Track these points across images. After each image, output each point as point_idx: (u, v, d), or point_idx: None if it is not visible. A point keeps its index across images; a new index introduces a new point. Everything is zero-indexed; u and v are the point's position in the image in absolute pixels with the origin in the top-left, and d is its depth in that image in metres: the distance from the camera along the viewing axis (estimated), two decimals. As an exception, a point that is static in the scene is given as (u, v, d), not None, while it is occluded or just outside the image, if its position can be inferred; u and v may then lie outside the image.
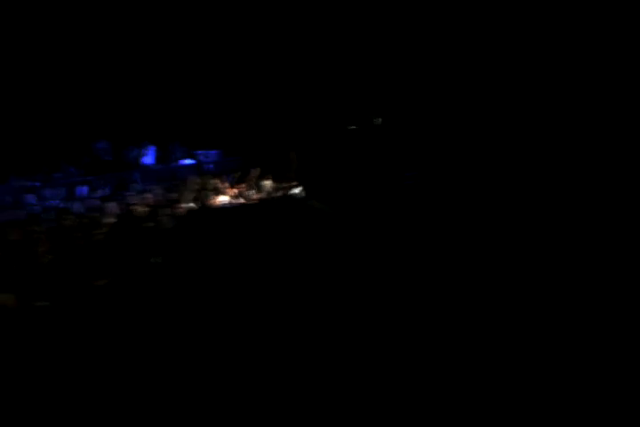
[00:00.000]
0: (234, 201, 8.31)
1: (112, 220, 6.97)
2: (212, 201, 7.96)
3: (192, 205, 7.77)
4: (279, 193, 8.50)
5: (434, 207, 6.62)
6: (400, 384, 3.02)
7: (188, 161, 10.09)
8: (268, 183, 8.81)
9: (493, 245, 5.16)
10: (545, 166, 6.47)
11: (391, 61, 8.68)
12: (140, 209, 7.43)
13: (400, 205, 6.87)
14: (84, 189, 9.21)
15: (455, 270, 4.72)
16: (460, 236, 5.61)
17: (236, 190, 8.59)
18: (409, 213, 6.54)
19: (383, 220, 6.42)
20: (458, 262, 4.90)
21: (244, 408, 3.00)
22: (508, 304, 3.98)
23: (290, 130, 9.67)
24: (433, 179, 7.39)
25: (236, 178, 9.09)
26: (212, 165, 9.84)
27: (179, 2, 9.98)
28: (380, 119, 7.86)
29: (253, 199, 8.50)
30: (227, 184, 8.64)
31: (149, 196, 8.15)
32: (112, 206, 7.68)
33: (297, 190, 8.51)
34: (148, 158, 10.18)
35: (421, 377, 3.10)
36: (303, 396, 3.00)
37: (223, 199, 8.18)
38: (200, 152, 10.10)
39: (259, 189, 8.73)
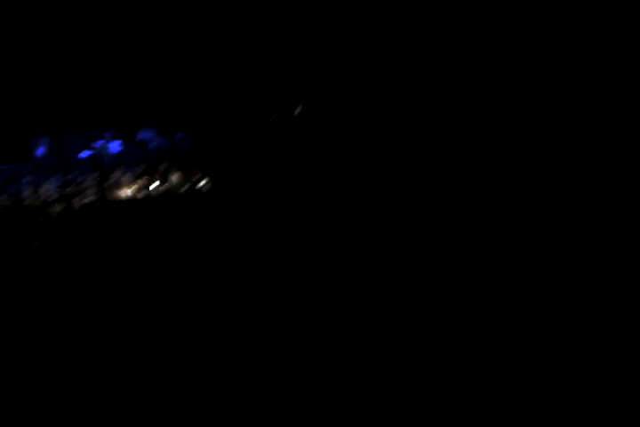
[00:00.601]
0: (136, 195, 7.99)
1: (3, 216, 6.50)
2: (112, 195, 7.61)
3: (89, 199, 7.39)
4: (186, 186, 8.27)
5: (345, 200, 6.67)
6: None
7: (85, 153, 9.58)
8: (174, 176, 8.55)
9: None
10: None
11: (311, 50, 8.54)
12: (32, 204, 6.99)
13: (310, 198, 6.88)
14: (-31, 183, 8.52)
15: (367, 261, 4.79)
16: (373, 226, 5.69)
17: (138, 183, 8.26)
18: (319, 206, 6.57)
19: (291, 213, 6.41)
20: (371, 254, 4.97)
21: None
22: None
23: (196, 118, 9.42)
24: (344, 171, 7.43)
25: (140, 170, 8.74)
26: (111, 157, 9.41)
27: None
28: (300, 107, 7.70)
29: (157, 193, 8.22)
30: (128, 177, 8.28)
31: (42, 190, 7.66)
32: (1, 201, 7.16)
33: (203, 182, 8.33)
34: (41, 150, 9.58)
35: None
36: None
37: (125, 193, 7.84)
38: (99, 143, 9.62)
39: (164, 181, 8.45)
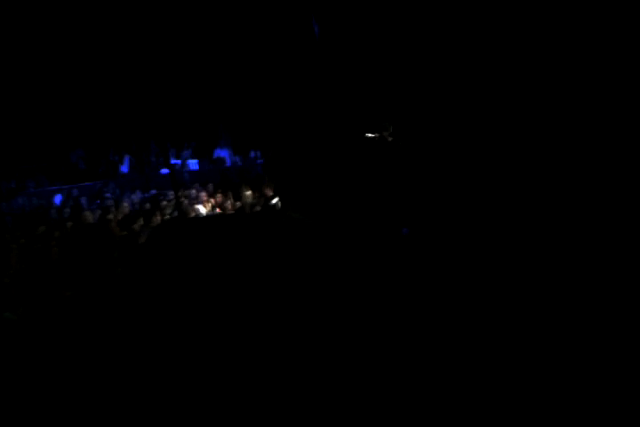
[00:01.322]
0: (211, 211, 8.20)
1: (87, 229, 6.81)
2: (189, 211, 7.84)
3: (168, 215, 7.64)
4: (258, 204, 8.38)
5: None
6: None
7: (164, 170, 9.98)
8: (247, 194, 8.69)
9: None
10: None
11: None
12: (115, 218, 7.30)
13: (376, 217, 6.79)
14: (58, 198, 9.04)
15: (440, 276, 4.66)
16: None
17: (213, 200, 8.47)
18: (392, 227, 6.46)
19: (364, 232, 6.34)
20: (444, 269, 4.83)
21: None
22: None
23: (269, 138, 9.53)
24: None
25: (216, 187, 8.97)
26: (187, 175, 9.73)
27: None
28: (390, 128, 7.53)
29: (231, 210, 8.40)
30: (204, 194, 8.51)
31: (125, 205, 8.00)
32: (87, 215, 7.52)
33: (275, 201, 8.41)
34: (125, 167, 10.06)
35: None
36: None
37: (200, 209, 8.06)
38: (178, 161, 10.00)
39: (238, 199, 8.62)
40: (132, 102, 10.13)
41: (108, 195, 8.80)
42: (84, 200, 8.69)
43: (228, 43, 9.79)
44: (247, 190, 8.69)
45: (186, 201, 7.98)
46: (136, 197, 8.62)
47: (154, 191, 8.75)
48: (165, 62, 10.03)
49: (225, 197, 8.59)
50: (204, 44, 9.84)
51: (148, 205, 7.94)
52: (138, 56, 9.91)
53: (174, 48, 9.98)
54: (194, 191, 8.49)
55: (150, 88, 10.11)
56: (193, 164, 9.91)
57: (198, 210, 7.94)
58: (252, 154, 9.86)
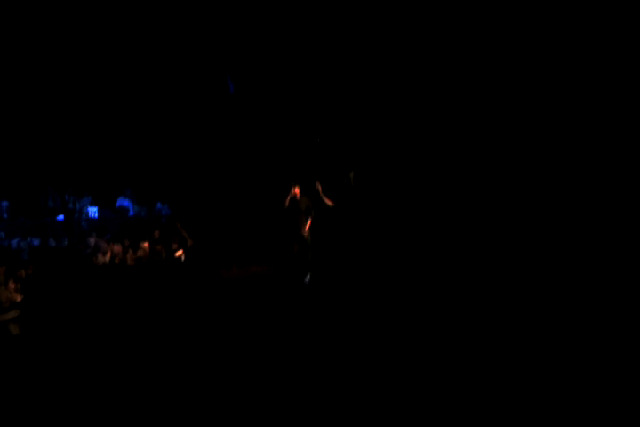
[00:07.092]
0: (110, 261, 7.84)
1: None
2: (86, 260, 7.46)
3: (61, 264, 7.21)
4: (160, 255, 8.16)
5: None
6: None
7: (61, 216, 9.48)
8: (145, 245, 8.43)
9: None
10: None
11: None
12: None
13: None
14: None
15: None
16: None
17: (115, 250, 8.13)
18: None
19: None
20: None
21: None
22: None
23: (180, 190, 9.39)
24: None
25: (115, 237, 8.63)
26: (85, 223, 9.30)
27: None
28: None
29: (131, 260, 8.08)
30: (104, 243, 8.15)
31: (14, 252, 7.48)
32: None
33: (180, 253, 8.22)
34: (10, 211, 9.46)
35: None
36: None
37: (99, 259, 7.69)
38: (77, 207, 9.55)
39: (137, 250, 8.32)
40: (30, 145, 9.69)
41: (-5, 240, 8.21)
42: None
43: (143, 93, 9.73)
44: (145, 242, 8.41)
45: (83, 249, 7.59)
46: (27, 244, 8.10)
47: (48, 238, 8.27)
48: (69, 104, 9.74)
49: (124, 247, 8.25)
50: (116, 91, 9.71)
51: (40, 253, 7.47)
52: (44, 94, 9.59)
53: (82, 92, 9.76)
54: (92, 240, 8.11)
55: (51, 130, 9.74)
56: (92, 211, 9.50)
57: (96, 259, 7.57)
58: (159, 205, 9.64)
